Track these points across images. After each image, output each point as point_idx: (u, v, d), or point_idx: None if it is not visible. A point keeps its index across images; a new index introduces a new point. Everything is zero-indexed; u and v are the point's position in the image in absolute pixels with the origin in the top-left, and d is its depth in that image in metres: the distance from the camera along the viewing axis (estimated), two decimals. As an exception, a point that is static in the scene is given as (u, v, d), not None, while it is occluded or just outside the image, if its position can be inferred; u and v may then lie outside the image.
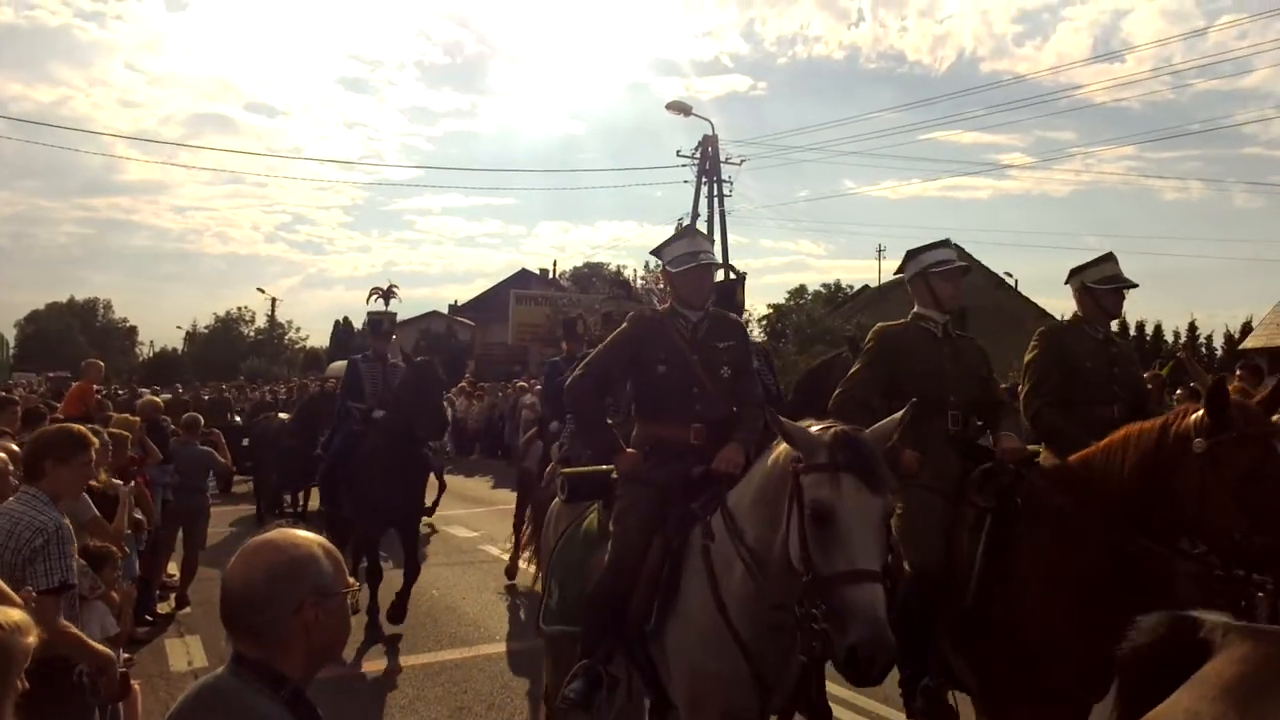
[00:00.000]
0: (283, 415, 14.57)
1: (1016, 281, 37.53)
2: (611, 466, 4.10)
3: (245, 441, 15.48)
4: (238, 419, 17.79)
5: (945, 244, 4.55)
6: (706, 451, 3.86)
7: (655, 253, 4.32)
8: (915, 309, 4.49)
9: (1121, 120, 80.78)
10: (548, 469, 7.24)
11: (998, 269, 36.34)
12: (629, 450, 3.99)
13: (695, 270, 4.05)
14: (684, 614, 3.51)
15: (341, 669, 6.53)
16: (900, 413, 3.17)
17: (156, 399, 10.56)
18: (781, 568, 3.11)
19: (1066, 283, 4.74)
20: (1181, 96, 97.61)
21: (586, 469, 4.47)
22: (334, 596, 1.81)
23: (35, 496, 3.65)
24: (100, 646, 3.70)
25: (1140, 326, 35.95)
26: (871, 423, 3.25)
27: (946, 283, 4.40)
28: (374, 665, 6.90)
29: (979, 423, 4.45)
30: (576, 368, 4.29)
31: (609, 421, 4.21)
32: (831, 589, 2.80)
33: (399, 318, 9.11)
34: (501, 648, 7.28)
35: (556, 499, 4.55)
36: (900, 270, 4.58)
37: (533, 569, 9.08)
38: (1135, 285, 4.64)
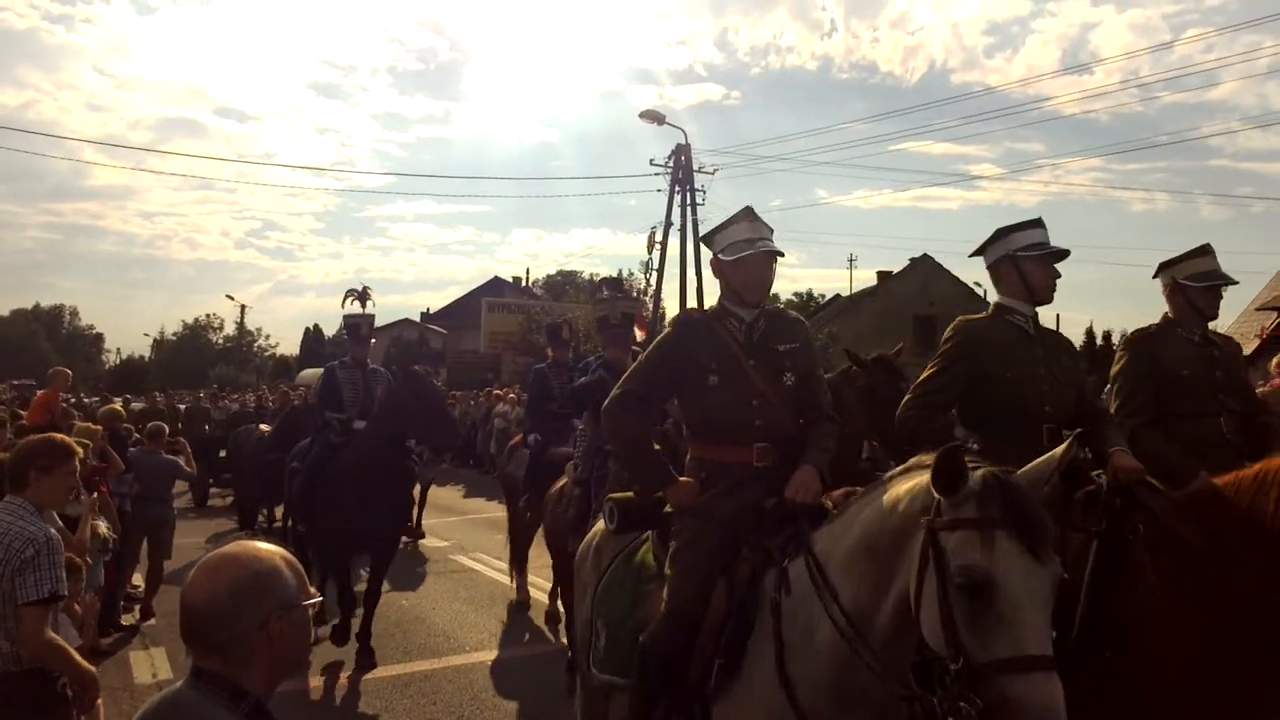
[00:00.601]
0: (263, 426, 14.27)
1: (985, 292, 37.77)
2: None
3: (222, 453, 15.19)
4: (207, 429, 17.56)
5: (1038, 223, 3.84)
6: (774, 475, 3.28)
7: (704, 239, 3.74)
8: (998, 299, 3.86)
9: (1089, 132, 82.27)
10: (561, 486, 6.78)
11: (968, 279, 36.52)
12: (683, 479, 3.42)
13: (754, 258, 3.42)
14: (744, 682, 2.95)
15: (307, 681, 6.49)
16: (1061, 448, 2.55)
17: (118, 407, 10.41)
18: (887, 642, 2.61)
19: (1155, 276, 4.24)
20: (1149, 109, 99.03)
21: (635, 497, 3.87)
22: (297, 609, 1.80)
23: (21, 506, 3.63)
24: (85, 664, 3.66)
25: (1107, 335, 36.58)
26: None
27: (1041, 268, 3.75)
28: (341, 677, 6.81)
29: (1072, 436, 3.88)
30: (610, 383, 3.79)
31: (655, 446, 3.61)
32: (991, 680, 2.23)
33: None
34: (471, 659, 7.22)
35: (599, 524, 4.05)
36: (981, 252, 3.93)
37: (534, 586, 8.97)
38: (1235, 282, 4.13)
